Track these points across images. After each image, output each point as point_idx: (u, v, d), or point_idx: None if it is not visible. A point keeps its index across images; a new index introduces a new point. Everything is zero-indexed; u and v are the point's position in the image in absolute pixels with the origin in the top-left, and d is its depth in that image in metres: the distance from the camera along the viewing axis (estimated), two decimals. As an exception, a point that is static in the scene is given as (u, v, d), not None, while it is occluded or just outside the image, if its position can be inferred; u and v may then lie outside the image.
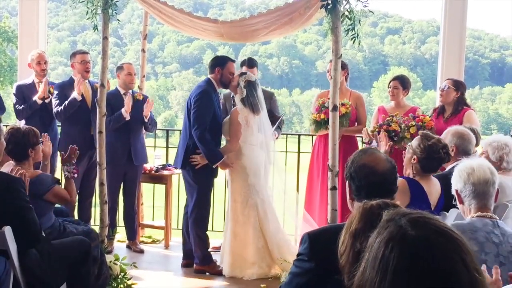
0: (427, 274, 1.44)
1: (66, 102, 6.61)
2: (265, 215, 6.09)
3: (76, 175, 5.07)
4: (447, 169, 4.74)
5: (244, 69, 6.76)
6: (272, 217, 6.14)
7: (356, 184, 2.95)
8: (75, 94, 6.62)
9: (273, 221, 6.14)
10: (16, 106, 6.86)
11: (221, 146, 6.20)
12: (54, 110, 6.66)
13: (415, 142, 4.39)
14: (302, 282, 2.73)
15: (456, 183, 3.25)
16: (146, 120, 6.80)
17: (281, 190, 6.49)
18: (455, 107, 6.35)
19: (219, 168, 6.21)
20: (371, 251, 1.55)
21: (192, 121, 6.01)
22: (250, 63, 6.91)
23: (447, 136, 4.80)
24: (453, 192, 3.30)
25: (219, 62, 6.23)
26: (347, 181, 3.04)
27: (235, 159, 6.10)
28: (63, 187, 4.88)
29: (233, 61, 6.34)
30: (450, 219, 4.01)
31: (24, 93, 6.88)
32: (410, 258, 1.46)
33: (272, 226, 6.11)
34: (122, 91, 6.83)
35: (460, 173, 3.22)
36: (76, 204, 6.74)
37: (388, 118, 6.19)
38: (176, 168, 7.30)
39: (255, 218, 6.06)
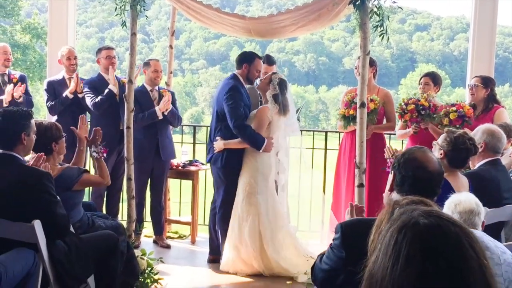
0: (438, 258, 1.47)
1: (105, 93, 6.70)
2: (266, 215, 6.03)
3: (105, 155, 5.11)
4: (476, 167, 4.70)
5: (264, 67, 6.76)
6: (272, 218, 6.07)
7: (402, 174, 2.99)
8: (111, 86, 6.70)
9: (273, 222, 6.07)
10: (48, 102, 6.94)
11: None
12: (92, 102, 6.71)
13: (441, 138, 4.40)
14: (334, 267, 2.95)
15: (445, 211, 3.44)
16: (165, 114, 6.78)
17: (308, 187, 6.47)
18: (486, 104, 6.28)
19: None
20: (384, 240, 1.59)
21: (229, 116, 5.99)
22: (270, 60, 6.89)
23: (478, 133, 4.76)
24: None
25: (247, 58, 6.24)
26: (392, 171, 3.07)
27: (248, 155, 6.09)
28: (94, 168, 4.96)
29: (261, 58, 6.34)
30: (479, 217, 3.97)
31: (55, 89, 6.96)
32: (422, 243, 1.50)
33: (272, 226, 6.05)
34: (148, 88, 6.87)
35: (449, 204, 3.41)
36: (105, 198, 6.83)
37: (418, 95, 6.14)
38: (203, 164, 7.35)
39: (254, 217, 6.02)
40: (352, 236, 2.82)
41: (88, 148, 5.15)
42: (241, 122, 5.96)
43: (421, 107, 6.03)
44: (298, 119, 6.70)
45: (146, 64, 6.92)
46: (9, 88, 6.78)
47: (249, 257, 6.01)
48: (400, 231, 1.54)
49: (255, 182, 6.04)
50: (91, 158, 5.17)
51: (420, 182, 2.95)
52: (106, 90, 6.73)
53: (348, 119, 6.32)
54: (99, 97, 6.70)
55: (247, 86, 6.40)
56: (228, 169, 6.11)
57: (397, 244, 1.52)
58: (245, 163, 6.10)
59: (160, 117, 6.68)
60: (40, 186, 4.02)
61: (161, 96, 6.82)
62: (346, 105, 6.39)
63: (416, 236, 1.51)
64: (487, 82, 6.34)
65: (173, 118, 6.90)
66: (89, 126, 7.01)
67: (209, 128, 6.56)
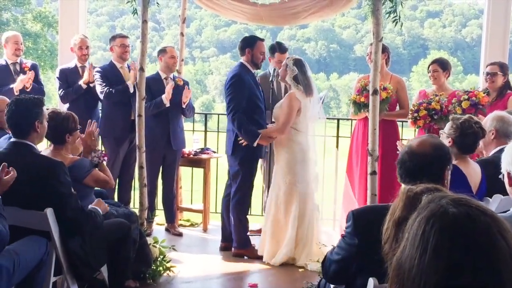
0: (467, 249, 1.43)
1: (119, 87, 6.69)
2: (305, 205, 6.01)
3: (106, 158, 5.09)
4: (490, 154, 4.65)
5: (277, 56, 6.72)
6: (310, 208, 6.05)
7: (399, 163, 2.98)
8: (129, 84, 6.68)
9: (309, 213, 6.05)
10: (60, 90, 6.94)
11: (271, 128, 6.09)
12: (103, 92, 6.69)
13: (447, 126, 4.36)
14: (346, 256, 2.92)
15: (508, 164, 3.05)
16: (184, 107, 6.82)
17: (320, 174, 6.43)
18: (500, 91, 6.25)
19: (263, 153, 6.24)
20: (411, 230, 1.54)
21: (226, 106, 6.03)
22: (282, 48, 6.86)
23: (487, 121, 4.70)
24: (504, 173, 3.10)
25: (249, 43, 6.21)
26: None
27: (284, 145, 6.03)
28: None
29: (262, 40, 6.29)
30: (493, 205, 3.93)
31: (67, 77, 6.97)
32: (451, 232, 1.46)
33: (308, 217, 6.03)
34: (163, 76, 6.86)
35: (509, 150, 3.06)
36: (117, 187, 6.84)
37: (431, 97, 6.09)
38: (214, 152, 7.36)
39: (296, 208, 5.97)
40: (364, 223, 2.81)
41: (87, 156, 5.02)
42: (234, 115, 5.94)
43: (433, 112, 5.98)
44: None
45: (162, 51, 6.91)
46: (22, 77, 6.80)
47: (285, 247, 5.97)
48: (428, 221, 1.50)
49: (295, 172, 5.98)
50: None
51: (406, 164, 2.94)
52: (123, 85, 6.72)
53: (359, 105, 6.30)
54: (114, 89, 6.68)
55: (259, 74, 6.37)
56: (245, 157, 6.10)
57: (425, 235, 1.48)
58: (279, 154, 6.05)
59: (167, 104, 6.66)
60: (54, 175, 4.03)
61: (175, 85, 6.81)
62: (358, 92, 6.36)
63: (444, 227, 1.47)
64: (504, 70, 6.31)
65: (189, 109, 6.94)
66: (100, 115, 7.05)
67: (219, 116, 6.55)
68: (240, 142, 6.05)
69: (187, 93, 6.82)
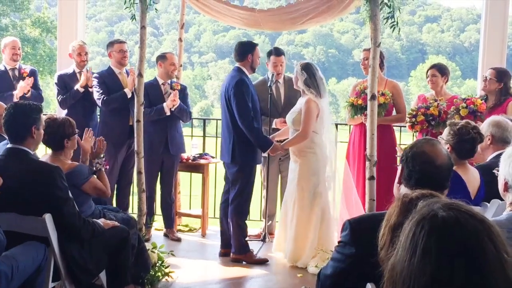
0: (455, 252, 1.46)
1: (117, 94, 6.69)
2: (323, 206, 6.05)
3: (107, 166, 5.11)
4: (488, 160, 4.66)
5: (272, 58, 6.72)
6: (326, 210, 6.09)
7: (409, 168, 2.88)
8: (127, 91, 6.69)
9: (327, 214, 6.09)
10: (59, 96, 6.95)
11: (292, 137, 6.10)
12: (101, 99, 6.71)
13: (445, 132, 4.37)
14: (342, 267, 2.79)
15: (507, 174, 3.04)
16: (173, 109, 6.76)
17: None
18: (498, 97, 6.26)
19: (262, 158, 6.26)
20: (404, 233, 1.58)
21: (237, 113, 5.96)
22: (277, 52, 6.86)
23: (484, 126, 4.71)
24: (500, 178, 3.12)
25: (249, 48, 6.20)
26: (401, 164, 2.98)
27: (306, 148, 6.05)
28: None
29: (257, 45, 6.32)
30: (491, 210, 3.94)
31: (66, 82, 6.97)
32: (439, 235, 1.49)
33: (326, 218, 6.07)
34: (161, 81, 6.86)
35: (505, 159, 3.06)
36: (115, 192, 6.83)
37: (430, 101, 6.10)
38: (213, 157, 7.35)
39: (319, 207, 6.01)
40: (361, 232, 2.73)
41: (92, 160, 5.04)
42: (249, 122, 5.94)
43: (430, 118, 5.99)
44: None
45: (162, 57, 6.89)
46: (22, 83, 6.82)
47: (309, 248, 6.00)
48: (418, 224, 1.54)
49: (317, 173, 6.03)
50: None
51: (427, 177, 2.83)
52: (121, 92, 6.73)
53: (356, 108, 6.31)
54: (111, 96, 6.69)
55: (258, 79, 6.36)
56: (245, 164, 6.10)
57: (415, 237, 1.52)
58: (301, 157, 6.07)
59: (168, 113, 6.67)
60: (51, 180, 4.02)
61: (173, 90, 6.81)
62: (356, 94, 6.37)
63: (433, 229, 1.50)
64: (501, 77, 6.29)
65: (182, 114, 6.88)
66: (98, 120, 7.06)
67: (217, 121, 6.55)
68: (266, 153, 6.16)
69: (173, 97, 6.74)
